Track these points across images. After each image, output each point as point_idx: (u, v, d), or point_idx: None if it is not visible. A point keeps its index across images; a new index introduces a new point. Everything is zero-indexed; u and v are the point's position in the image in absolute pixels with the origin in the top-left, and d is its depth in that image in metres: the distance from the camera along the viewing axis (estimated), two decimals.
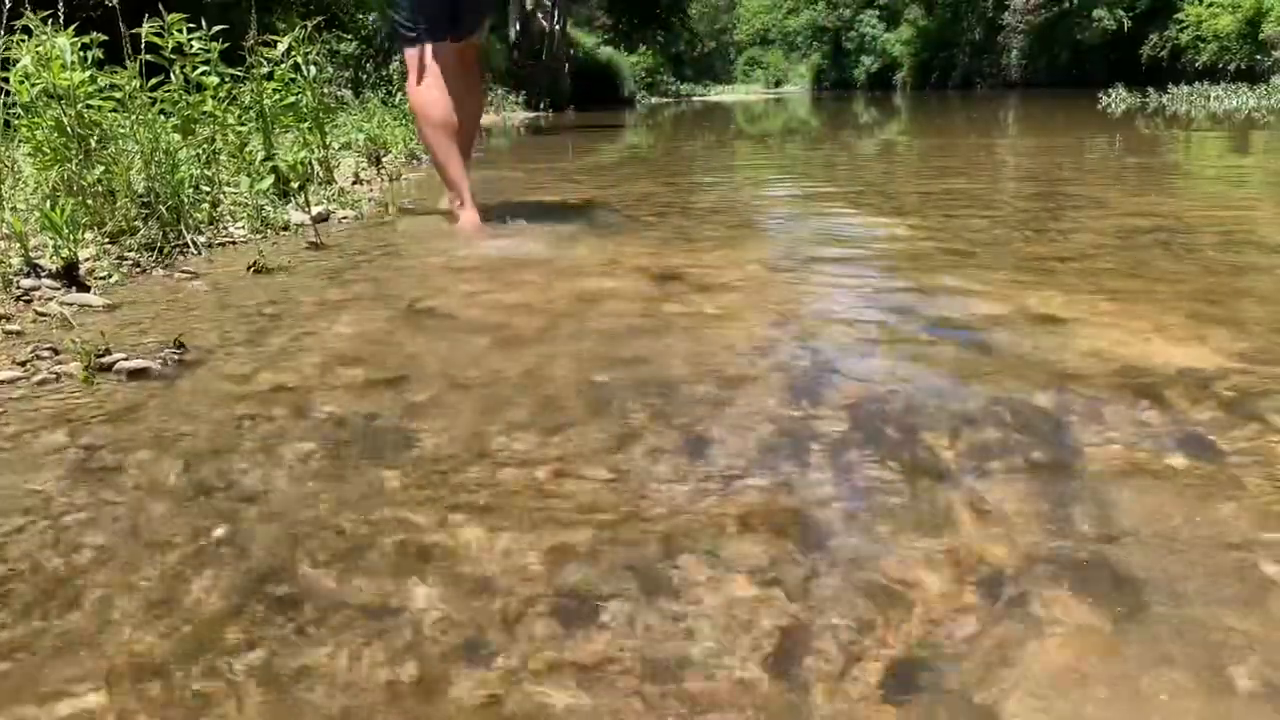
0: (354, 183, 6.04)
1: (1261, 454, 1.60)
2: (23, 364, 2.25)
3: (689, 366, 2.14)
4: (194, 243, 3.73)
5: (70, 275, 3.02)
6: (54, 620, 1.21)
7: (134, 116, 3.89)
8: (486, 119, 15.36)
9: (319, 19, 6.21)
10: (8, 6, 3.85)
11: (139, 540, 1.41)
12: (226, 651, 1.14)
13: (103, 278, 3.15)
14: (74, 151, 3.66)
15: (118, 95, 3.90)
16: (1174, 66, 27.30)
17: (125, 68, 4.02)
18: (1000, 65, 39.07)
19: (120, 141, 3.84)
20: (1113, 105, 15.98)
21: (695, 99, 38.15)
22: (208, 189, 4.27)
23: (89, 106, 3.74)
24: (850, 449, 1.68)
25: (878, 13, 54.27)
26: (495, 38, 20.80)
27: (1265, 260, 3.23)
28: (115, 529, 1.45)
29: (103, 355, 2.21)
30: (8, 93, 3.80)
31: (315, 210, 4.53)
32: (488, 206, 4.45)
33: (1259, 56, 24.95)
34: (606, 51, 32.36)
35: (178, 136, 4.29)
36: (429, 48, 3.99)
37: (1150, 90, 17.46)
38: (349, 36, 12.86)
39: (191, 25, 4.77)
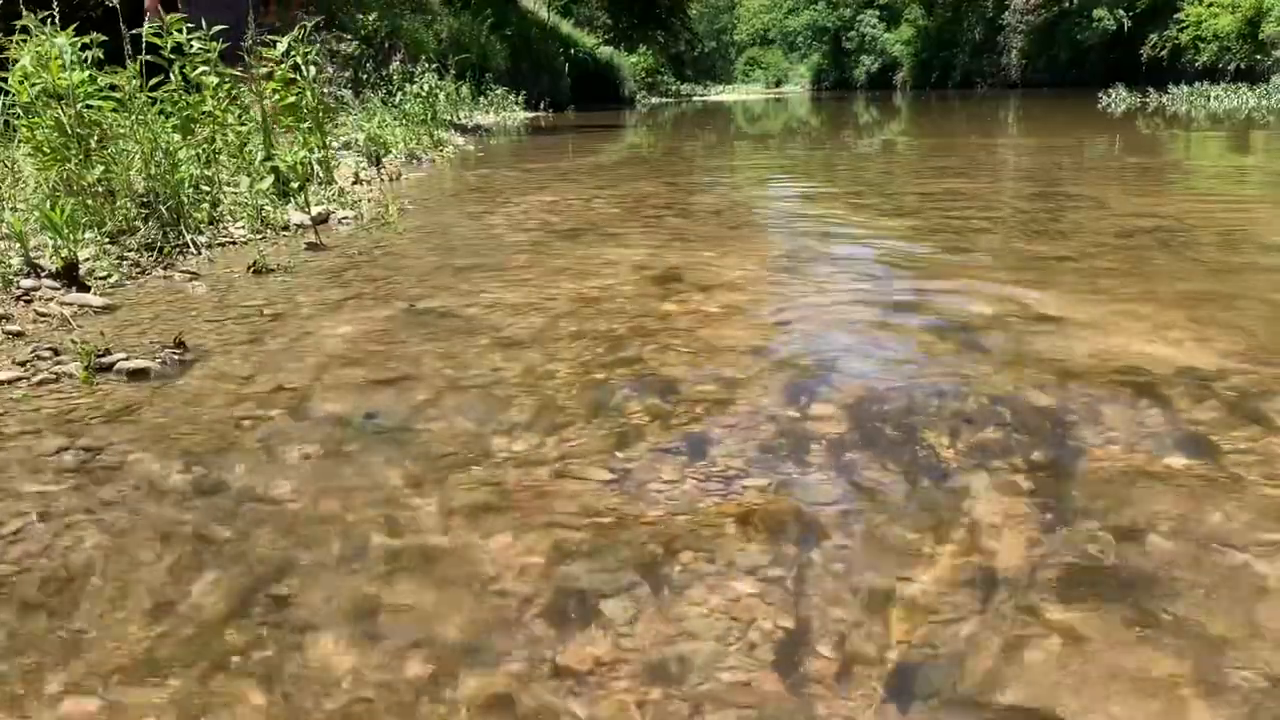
0: (354, 183, 6.04)
1: (1262, 454, 1.60)
2: (23, 364, 2.25)
3: (689, 366, 2.13)
4: (194, 243, 3.72)
5: (70, 275, 3.02)
6: (55, 620, 1.21)
7: (134, 116, 3.88)
8: (486, 119, 15.35)
9: (318, 19, 6.21)
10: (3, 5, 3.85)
11: (139, 540, 1.41)
12: (227, 650, 1.14)
13: (103, 278, 3.15)
14: (74, 151, 3.66)
15: (118, 95, 3.89)
16: (1174, 66, 27.27)
17: (125, 68, 4.02)
18: (1000, 65, 39.04)
19: (120, 141, 3.83)
20: (1113, 105, 15.99)
21: (695, 99, 38.12)
22: (208, 189, 4.27)
23: (89, 106, 3.74)
24: (850, 449, 1.68)
25: (878, 13, 54.22)
26: (495, 38, 20.79)
27: (1265, 260, 3.23)
28: (116, 529, 1.44)
29: (103, 355, 2.21)
30: (8, 93, 3.79)
31: (315, 210, 4.53)
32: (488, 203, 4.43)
33: (1259, 56, 24.92)
34: (607, 51, 32.30)
35: (178, 136, 4.28)
36: None
37: (1150, 90, 17.45)
38: (349, 36, 12.85)
39: (191, 25, 4.77)
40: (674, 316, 2.58)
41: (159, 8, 5.81)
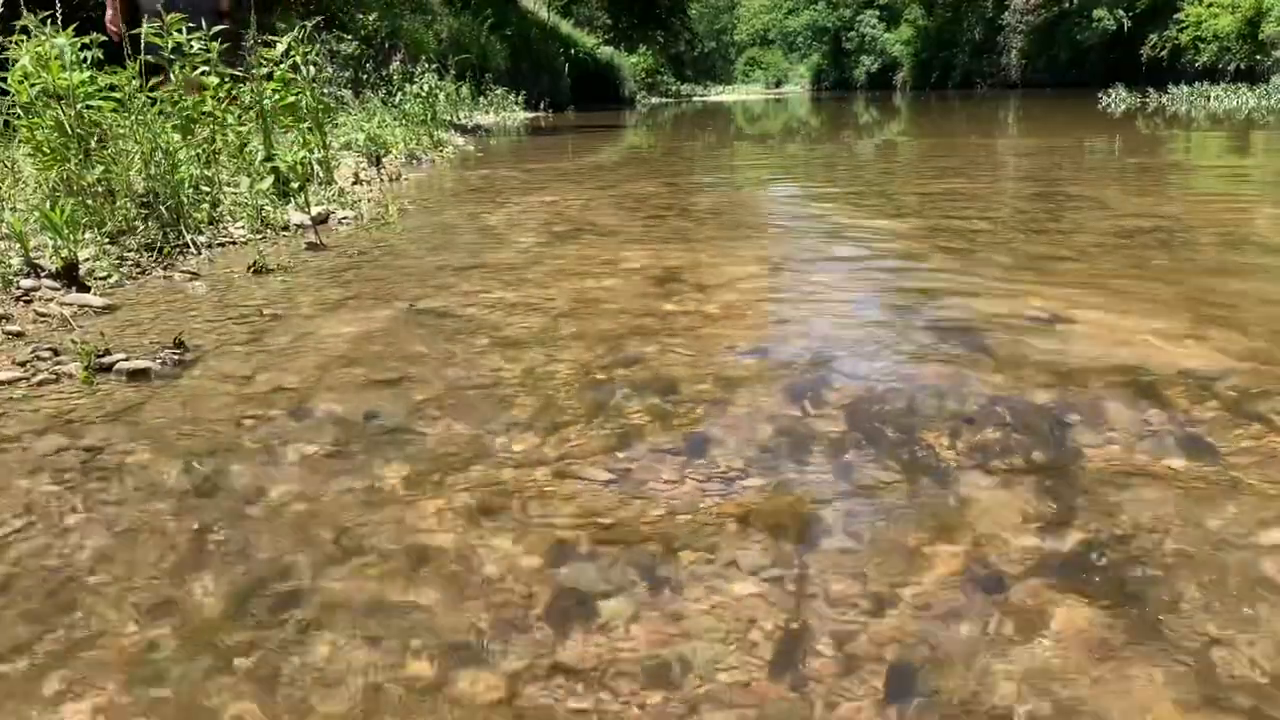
0: (354, 183, 6.03)
1: (1262, 454, 1.60)
2: (23, 364, 2.25)
3: (689, 367, 2.13)
4: (194, 243, 3.72)
5: (70, 275, 3.02)
6: (55, 620, 1.21)
7: (133, 116, 3.88)
8: (486, 119, 15.34)
9: (318, 19, 6.21)
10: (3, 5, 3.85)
11: (140, 540, 1.41)
12: (227, 651, 1.14)
13: (102, 278, 3.15)
14: (74, 151, 3.66)
15: (117, 95, 3.89)
16: (1174, 66, 27.27)
17: (125, 68, 4.02)
18: (1000, 65, 39.06)
19: (120, 141, 3.83)
20: (1113, 105, 15.98)
21: (695, 99, 38.11)
22: (208, 189, 4.27)
23: (89, 106, 3.74)
24: (850, 448, 1.68)
25: (878, 13, 54.28)
26: (495, 38, 20.80)
27: (1265, 260, 3.23)
28: (116, 529, 1.44)
29: (103, 355, 2.21)
30: (8, 92, 3.80)
31: (315, 210, 4.52)
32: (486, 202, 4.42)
33: (1259, 56, 24.93)
34: (607, 52, 32.30)
35: (177, 136, 4.28)
36: None
37: (1150, 90, 17.44)
38: (349, 36, 12.85)
39: (191, 25, 4.77)
40: (674, 317, 2.58)
41: (118, 19, 5.75)
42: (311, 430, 1.82)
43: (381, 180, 6.51)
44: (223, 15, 5.90)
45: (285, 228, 4.29)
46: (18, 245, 3.08)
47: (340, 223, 4.58)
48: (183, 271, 3.38)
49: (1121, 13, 31.99)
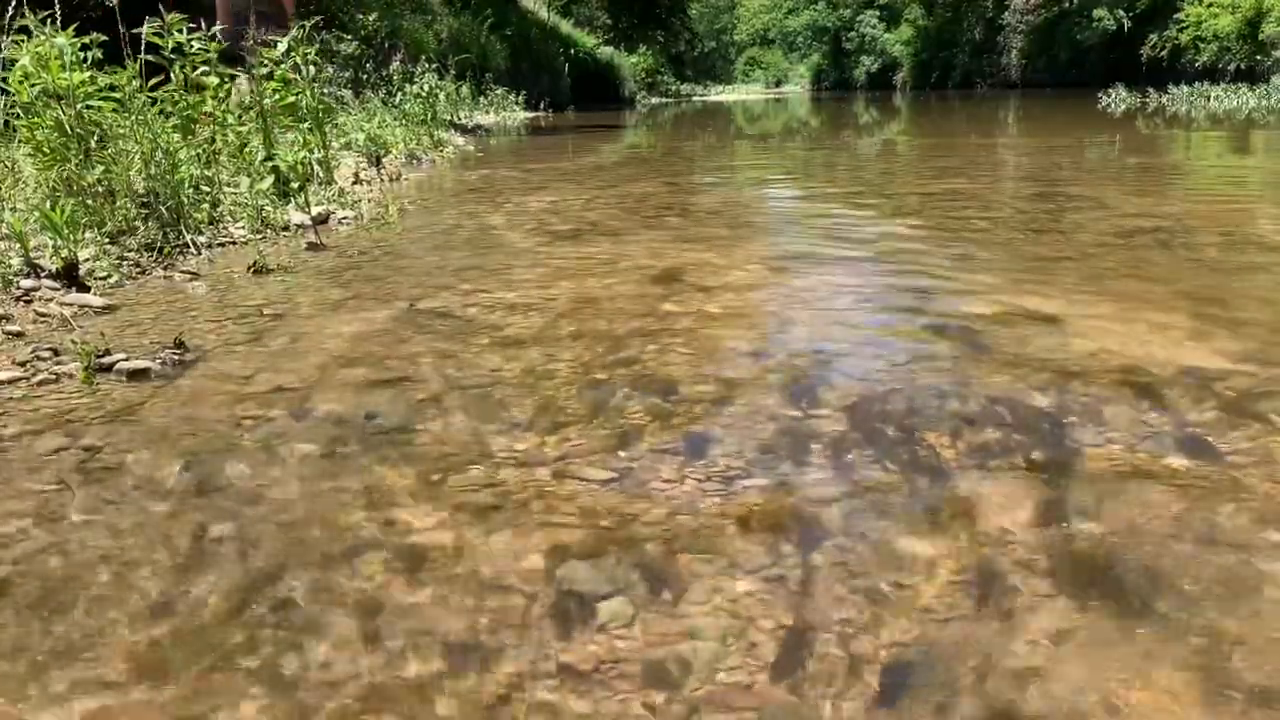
0: (354, 183, 6.03)
1: (1261, 454, 1.60)
2: (23, 364, 2.25)
3: (689, 366, 2.13)
4: (194, 243, 3.72)
5: (70, 276, 3.02)
6: (55, 620, 1.21)
7: (134, 116, 3.88)
8: (486, 119, 15.32)
9: (318, 19, 6.21)
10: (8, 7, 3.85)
11: (139, 540, 1.41)
12: (227, 650, 1.14)
13: (103, 278, 3.14)
14: (74, 151, 3.66)
15: (117, 95, 3.89)
16: (1174, 66, 27.28)
17: (125, 68, 4.02)
18: (1000, 65, 39.07)
19: (120, 141, 3.83)
20: (1113, 105, 15.98)
21: (695, 99, 38.08)
22: (208, 189, 4.27)
23: (89, 106, 3.74)
24: (850, 448, 1.68)
25: (878, 13, 54.28)
26: (495, 38, 20.80)
27: (1265, 260, 3.22)
28: (115, 529, 1.44)
29: (103, 355, 2.21)
30: (8, 92, 3.79)
31: (315, 210, 4.52)
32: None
33: (1259, 57, 24.95)
34: (607, 51, 32.26)
35: (178, 136, 4.28)
36: None
37: (1150, 90, 17.43)
38: (349, 36, 12.84)
39: (192, 25, 4.77)
40: (674, 317, 2.57)
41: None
42: (311, 430, 1.82)
43: (381, 180, 6.51)
44: (288, 20, 5.95)
45: (285, 228, 4.29)
46: (18, 245, 3.08)
47: (340, 223, 4.58)
48: (183, 271, 3.38)
49: (1121, 13, 31.99)
